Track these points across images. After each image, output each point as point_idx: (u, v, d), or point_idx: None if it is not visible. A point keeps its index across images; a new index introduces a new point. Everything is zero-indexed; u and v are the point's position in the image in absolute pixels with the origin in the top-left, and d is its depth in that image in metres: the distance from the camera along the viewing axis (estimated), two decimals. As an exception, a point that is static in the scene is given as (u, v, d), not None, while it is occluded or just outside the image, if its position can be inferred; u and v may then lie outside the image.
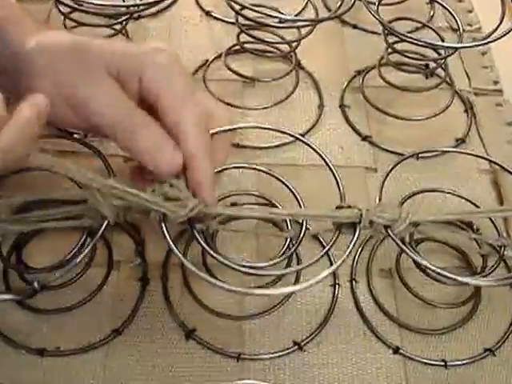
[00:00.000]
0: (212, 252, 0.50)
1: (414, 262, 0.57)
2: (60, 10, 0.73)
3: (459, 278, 0.52)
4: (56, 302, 0.59)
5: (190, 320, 0.59)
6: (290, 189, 0.59)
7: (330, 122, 0.74)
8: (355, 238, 0.53)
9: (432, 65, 0.78)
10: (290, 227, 0.59)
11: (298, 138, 0.59)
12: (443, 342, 0.60)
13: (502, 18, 0.66)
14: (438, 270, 0.52)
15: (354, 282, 0.63)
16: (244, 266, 0.52)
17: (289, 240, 0.58)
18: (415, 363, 0.59)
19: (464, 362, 0.59)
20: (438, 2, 0.78)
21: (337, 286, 0.63)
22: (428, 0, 0.85)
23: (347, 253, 0.52)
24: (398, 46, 0.73)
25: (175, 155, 0.49)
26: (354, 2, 0.70)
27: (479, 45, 0.67)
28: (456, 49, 0.69)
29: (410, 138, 0.73)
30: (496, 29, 0.67)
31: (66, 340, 0.57)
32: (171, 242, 0.49)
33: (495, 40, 0.66)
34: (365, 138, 0.73)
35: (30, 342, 0.57)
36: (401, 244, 0.53)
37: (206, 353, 0.58)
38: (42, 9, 0.80)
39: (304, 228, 0.56)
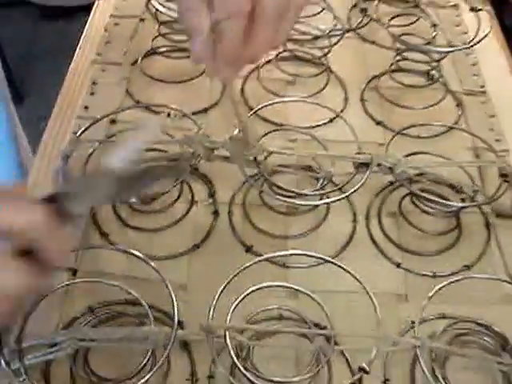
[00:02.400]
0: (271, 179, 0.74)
1: (412, 196, 0.80)
2: None
3: (446, 202, 0.75)
4: (151, 224, 0.82)
5: (248, 239, 0.81)
6: (322, 145, 0.82)
7: (352, 110, 0.97)
8: (367, 174, 0.77)
9: (432, 72, 1.01)
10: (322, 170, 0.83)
11: (337, 115, 0.83)
12: (434, 261, 0.82)
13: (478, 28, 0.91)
14: (431, 197, 0.75)
15: (368, 220, 0.85)
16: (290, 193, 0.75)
17: (322, 180, 0.81)
18: (412, 274, 0.80)
19: (448, 273, 0.81)
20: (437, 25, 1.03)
21: (356, 222, 0.85)
22: (431, 24, 1.09)
23: (360, 183, 0.75)
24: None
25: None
26: (370, 20, 0.94)
27: (461, 49, 0.91)
28: (444, 52, 0.93)
29: (413, 123, 0.95)
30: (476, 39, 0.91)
31: (159, 251, 0.79)
32: (246, 172, 0.73)
33: (473, 45, 0.90)
34: (379, 123, 0.97)
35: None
36: (403, 182, 0.77)
37: (260, 262, 0.80)
38: None
39: (333, 170, 0.79)
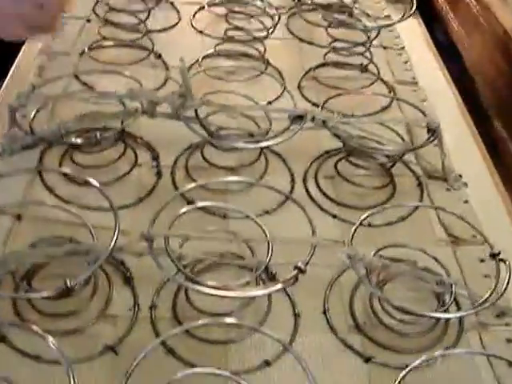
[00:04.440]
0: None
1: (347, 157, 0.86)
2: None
3: (379, 147, 0.80)
4: (100, 177, 0.82)
5: (190, 194, 0.83)
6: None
7: (291, 94, 1.02)
8: (302, 124, 0.81)
9: (364, 63, 1.08)
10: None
11: (284, 88, 0.91)
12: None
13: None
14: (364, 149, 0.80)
15: (305, 181, 0.89)
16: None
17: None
18: (348, 224, 0.83)
19: (383, 223, 0.84)
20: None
21: (293, 182, 0.89)
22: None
23: (295, 132, 0.80)
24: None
25: None
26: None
27: (388, 25, 1.00)
28: (370, 29, 1.00)
29: (349, 106, 1.00)
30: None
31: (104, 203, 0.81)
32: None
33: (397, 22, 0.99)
34: (314, 104, 1.02)
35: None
36: (336, 132, 0.82)
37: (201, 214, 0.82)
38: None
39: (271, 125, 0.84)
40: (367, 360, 0.69)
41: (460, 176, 0.91)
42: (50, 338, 0.57)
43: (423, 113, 0.91)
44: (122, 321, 0.70)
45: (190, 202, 0.82)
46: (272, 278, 0.75)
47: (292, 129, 0.83)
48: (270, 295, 0.73)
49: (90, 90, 0.97)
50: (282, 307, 0.73)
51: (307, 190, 0.88)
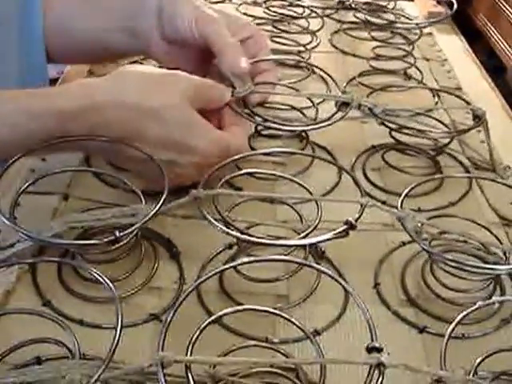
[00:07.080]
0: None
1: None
2: None
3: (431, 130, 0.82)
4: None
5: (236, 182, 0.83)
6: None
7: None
8: (347, 110, 0.81)
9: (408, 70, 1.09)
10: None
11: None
12: (419, 201, 0.82)
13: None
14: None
15: (353, 172, 0.88)
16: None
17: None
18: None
19: (432, 208, 0.82)
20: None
21: (341, 173, 0.87)
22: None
23: (341, 117, 0.80)
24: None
25: None
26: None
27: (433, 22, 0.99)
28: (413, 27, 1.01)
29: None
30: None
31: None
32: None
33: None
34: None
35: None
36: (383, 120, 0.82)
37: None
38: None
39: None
40: (421, 330, 0.67)
41: (509, 167, 0.90)
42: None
43: (467, 102, 0.90)
44: (166, 292, 0.69)
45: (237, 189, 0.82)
46: (321, 256, 0.73)
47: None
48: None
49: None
50: (331, 281, 0.71)
51: (355, 180, 0.87)
